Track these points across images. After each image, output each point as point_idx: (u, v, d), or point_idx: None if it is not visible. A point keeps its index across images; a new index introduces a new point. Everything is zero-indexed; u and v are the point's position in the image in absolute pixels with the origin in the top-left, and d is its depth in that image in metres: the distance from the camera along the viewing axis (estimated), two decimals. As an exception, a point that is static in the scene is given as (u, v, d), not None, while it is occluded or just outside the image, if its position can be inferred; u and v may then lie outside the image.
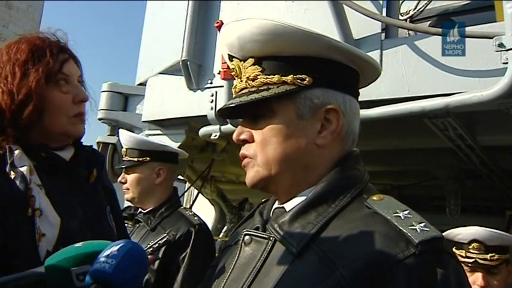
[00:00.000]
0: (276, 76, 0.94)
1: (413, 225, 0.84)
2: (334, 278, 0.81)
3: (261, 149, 0.96)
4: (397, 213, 0.88)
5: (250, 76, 0.96)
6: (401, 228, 0.84)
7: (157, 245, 1.04)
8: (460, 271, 0.86)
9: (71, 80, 1.33)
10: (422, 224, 0.85)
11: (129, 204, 2.50)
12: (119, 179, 2.44)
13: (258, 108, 0.97)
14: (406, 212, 0.88)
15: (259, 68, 0.96)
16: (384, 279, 0.79)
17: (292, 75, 0.94)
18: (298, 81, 0.94)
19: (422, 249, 0.81)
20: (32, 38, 1.33)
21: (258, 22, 0.94)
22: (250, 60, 0.97)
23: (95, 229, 1.29)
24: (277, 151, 0.95)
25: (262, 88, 0.95)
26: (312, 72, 0.94)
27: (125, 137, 2.45)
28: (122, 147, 2.51)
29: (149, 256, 1.08)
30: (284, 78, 0.94)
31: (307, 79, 0.94)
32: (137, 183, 2.38)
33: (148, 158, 2.38)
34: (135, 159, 2.39)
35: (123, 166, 2.41)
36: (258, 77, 0.95)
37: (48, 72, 1.28)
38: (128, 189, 2.40)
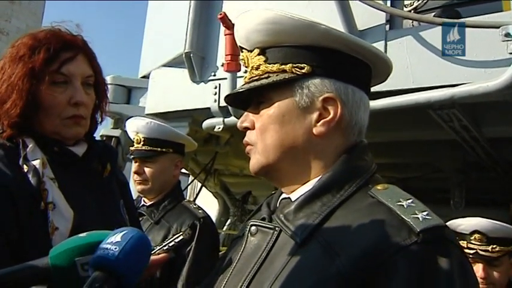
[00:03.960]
0: (276, 65, 0.96)
1: (415, 214, 0.84)
2: (335, 266, 0.82)
3: (260, 136, 0.98)
4: (400, 202, 0.87)
5: (254, 65, 0.99)
6: (403, 216, 0.84)
7: (172, 243, 1.04)
8: (463, 260, 0.85)
9: (71, 80, 1.28)
10: (425, 213, 0.85)
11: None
12: (134, 169, 2.34)
13: (260, 96, 0.99)
14: (409, 201, 0.88)
15: (263, 57, 0.98)
16: (385, 267, 0.79)
17: (291, 64, 0.95)
18: (297, 69, 0.95)
19: (424, 237, 0.80)
20: (36, 34, 1.31)
21: (259, 12, 0.97)
22: (256, 51, 0.99)
23: (108, 223, 1.28)
24: (274, 138, 0.96)
25: (263, 76, 0.97)
26: (312, 61, 0.95)
27: (144, 124, 2.33)
28: (127, 139, 2.45)
29: (164, 254, 1.08)
30: (283, 66, 0.95)
31: (306, 68, 0.94)
32: (159, 174, 2.30)
33: (171, 149, 2.33)
34: (158, 149, 2.30)
35: (145, 156, 2.29)
36: (260, 66, 0.98)
37: (36, 70, 1.24)
38: (145, 180, 2.30)
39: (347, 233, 0.85)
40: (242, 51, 1.03)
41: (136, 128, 2.36)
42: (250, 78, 1.00)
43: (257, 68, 0.98)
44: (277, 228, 0.94)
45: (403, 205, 0.86)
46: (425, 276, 0.79)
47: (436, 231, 0.83)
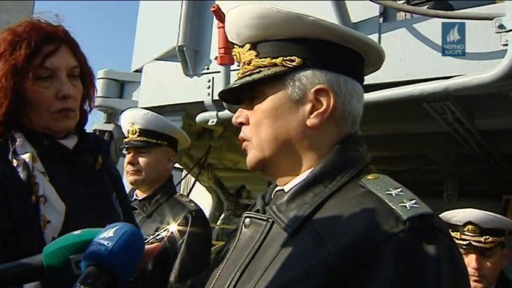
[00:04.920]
0: (267, 59, 0.96)
1: (403, 202, 0.85)
2: (322, 254, 0.82)
3: (254, 131, 0.99)
4: (389, 191, 0.88)
5: (246, 61, 0.99)
6: (391, 205, 0.84)
7: (165, 232, 1.03)
8: (452, 248, 0.85)
9: (56, 73, 1.26)
10: (413, 201, 0.85)
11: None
12: (127, 159, 2.34)
13: (253, 91, 0.99)
14: (398, 190, 0.88)
15: (254, 52, 0.98)
16: (372, 256, 0.80)
17: (281, 57, 0.95)
18: (288, 62, 0.95)
19: (411, 225, 0.81)
20: (15, 28, 1.28)
21: (247, 7, 0.97)
22: (247, 46, 1.00)
23: (101, 215, 1.29)
24: (268, 132, 0.97)
25: (255, 71, 0.97)
26: (302, 53, 0.95)
27: (141, 116, 2.33)
28: (120, 133, 2.44)
29: (157, 244, 1.08)
30: (274, 60, 0.96)
31: (296, 60, 0.95)
32: (153, 166, 2.31)
33: (166, 143, 2.34)
34: (153, 140, 2.30)
35: (139, 146, 2.29)
36: (252, 60, 0.98)
37: (19, 66, 1.22)
38: (138, 171, 2.30)
39: (336, 223, 0.86)
40: (234, 47, 1.04)
41: (133, 118, 2.36)
42: (243, 73, 1.00)
43: (249, 63, 0.99)
44: (270, 220, 0.95)
45: (391, 194, 0.87)
46: (412, 264, 0.79)
47: (423, 219, 0.83)
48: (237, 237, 0.99)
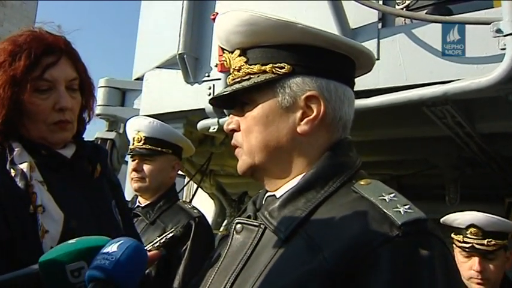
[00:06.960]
0: (257, 66, 0.96)
1: (397, 208, 0.85)
2: (317, 260, 0.82)
3: (245, 137, 0.99)
4: (382, 196, 0.88)
5: (236, 67, 0.99)
6: (385, 210, 0.85)
7: (164, 239, 1.03)
8: (446, 253, 0.86)
9: (55, 85, 1.26)
10: (406, 206, 0.86)
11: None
12: (132, 166, 2.35)
13: (243, 98, 0.99)
14: (391, 195, 0.89)
15: (244, 58, 0.99)
16: (368, 261, 0.80)
17: (271, 64, 0.96)
18: (277, 69, 0.95)
19: (405, 230, 0.81)
20: (16, 38, 1.28)
21: (236, 14, 0.97)
22: (237, 52, 1.00)
23: (101, 223, 1.29)
24: (258, 139, 0.97)
25: (244, 78, 0.97)
26: (292, 60, 0.95)
27: (147, 124, 2.35)
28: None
29: (155, 251, 1.09)
30: (264, 67, 0.96)
31: (286, 67, 0.95)
32: (157, 173, 2.33)
33: (170, 151, 2.36)
34: (158, 148, 2.32)
35: (144, 154, 2.31)
36: (242, 67, 0.98)
37: (18, 77, 1.22)
38: (143, 178, 2.32)
39: (330, 228, 0.86)
40: (224, 53, 1.04)
41: (138, 126, 2.38)
42: (233, 80, 1.00)
43: (239, 70, 0.99)
44: (262, 226, 0.95)
45: (385, 199, 0.88)
46: (408, 269, 0.80)
47: (417, 224, 0.83)
48: (229, 244, 0.98)
